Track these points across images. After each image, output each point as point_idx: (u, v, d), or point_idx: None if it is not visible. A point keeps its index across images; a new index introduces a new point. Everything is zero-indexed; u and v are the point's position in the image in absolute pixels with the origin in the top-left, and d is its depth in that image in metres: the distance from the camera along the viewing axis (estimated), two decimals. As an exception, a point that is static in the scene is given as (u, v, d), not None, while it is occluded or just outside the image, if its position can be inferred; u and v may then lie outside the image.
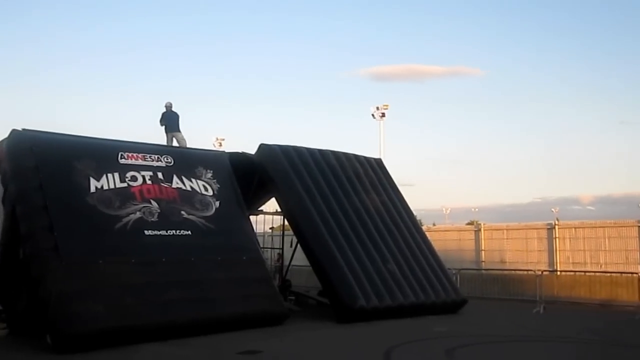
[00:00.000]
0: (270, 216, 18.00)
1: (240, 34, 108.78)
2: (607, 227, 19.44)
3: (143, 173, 12.18)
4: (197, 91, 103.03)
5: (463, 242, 22.85)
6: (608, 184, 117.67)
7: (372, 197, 15.81)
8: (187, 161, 13.28)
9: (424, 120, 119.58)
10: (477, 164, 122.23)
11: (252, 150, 15.16)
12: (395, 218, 15.85)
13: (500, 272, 19.83)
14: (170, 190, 12.39)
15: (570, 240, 20.02)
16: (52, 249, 10.11)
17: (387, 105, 38.54)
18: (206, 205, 12.71)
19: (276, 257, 18.46)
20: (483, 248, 22.20)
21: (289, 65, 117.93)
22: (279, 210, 16.17)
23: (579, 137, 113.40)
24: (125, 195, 11.62)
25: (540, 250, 20.52)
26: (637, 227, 18.76)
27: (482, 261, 21.86)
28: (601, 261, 19.01)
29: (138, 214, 11.53)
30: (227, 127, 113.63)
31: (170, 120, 15.12)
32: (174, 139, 15.02)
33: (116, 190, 11.57)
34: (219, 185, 13.25)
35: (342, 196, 15.06)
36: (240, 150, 15.28)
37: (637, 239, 18.61)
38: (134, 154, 12.35)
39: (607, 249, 19.10)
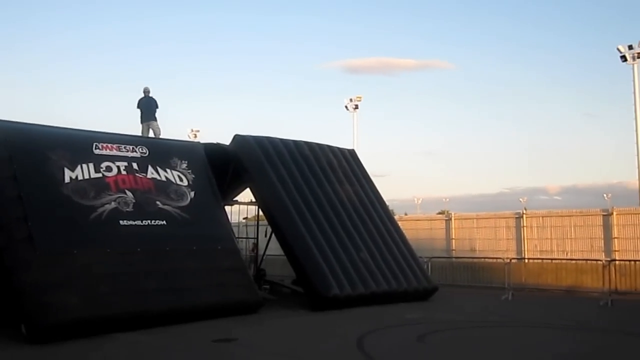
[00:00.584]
0: (245, 206, 18.08)
1: (216, 29, 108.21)
2: (573, 216, 20.05)
3: (118, 163, 12.16)
4: (172, 83, 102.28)
5: (434, 231, 23.29)
6: (574, 174, 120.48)
7: (345, 188, 15.98)
8: (162, 152, 13.27)
9: (396, 113, 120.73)
10: (448, 155, 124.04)
11: (227, 141, 15.25)
12: (368, 208, 16.06)
13: (470, 260, 20.29)
14: (145, 180, 12.41)
15: (537, 229, 20.60)
16: (27, 240, 10.08)
17: (360, 97, 38.81)
18: (181, 195, 12.75)
19: (251, 246, 18.56)
20: (453, 237, 22.68)
21: (263, 58, 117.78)
22: (253, 200, 16.27)
23: (545, 130, 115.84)
24: (100, 186, 11.60)
25: (508, 239, 21.08)
26: (601, 216, 19.39)
27: (453, 249, 22.35)
28: (567, 249, 19.61)
29: (113, 204, 11.53)
30: (202, 118, 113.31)
31: (146, 107, 15.06)
32: (150, 129, 15.00)
33: (91, 180, 11.54)
34: (194, 176, 13.29)
35: (315, 186, 15.21)
36: (215, 141, 15.32)
37: (602, 227, 19.24)
38: (109, 145, 12.32)
39: (573, 237, 19.73)
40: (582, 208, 20.50)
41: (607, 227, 19.12)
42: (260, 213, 16.42)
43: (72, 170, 11.38)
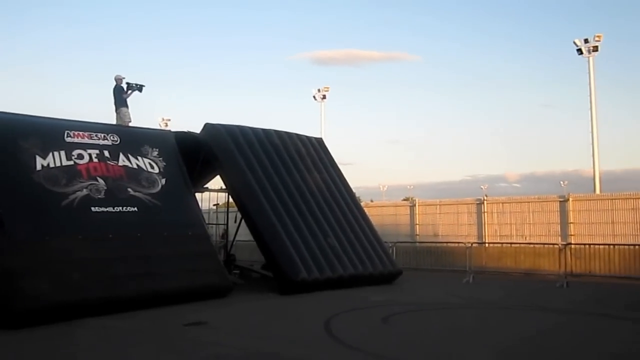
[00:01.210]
0: (215, 193, 18.27)
1: (187, 21, 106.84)
2: (531, 202, 20.77)
3: (89, 151, 12.18)
4: (144, 73, 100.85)
5: (399, 217, 23.78)
6: (532, 163, 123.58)
7: (313, 175, 16.23)
8: (134, 140, 13.30)
9: (363, 103, 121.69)
10: (413, 144, 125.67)
11: (197, 130, 15.32)
12: (335, 194, 16.34)
13: (433, 244, 20.82)
14: (116, 168, 12.46)
15: (497, 215, 21.26)
16: (-2, 227, 10.05)
17: (327, 88, 39.20)
18: (152, 182, 12.86)
19: (221, 232, 18.76)
20: (417, 222, 23.20)
21: (234, 49, 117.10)
22: (223, 187, 16.46)
23: (505, 120, 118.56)
24: (72, 173, 11.62)
25: (470, 224, 21.70)
26: (558, 202, 20.12)
27: (417, 235, 22.84)
28: (526, 233, 20.30)
29: (85, 191, 11.58)
30: (173, 108, 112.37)
31: (119, 95, 15.04)
32: (119, 116, 14.97)
33: (62, 168, 11.55)
34: (164, 163, 13.37)
35: (284, 173, 15.41)
36: (185, 130, 15.41)
37: (558, 213, 19.96)
38: (81, 133, 12.30)
39: (531, 222, 20.43)
40: (540, 194, 21.23)
41: (563, 213, 19.84)
42: (230, 200, 16.61)
43: (44, 157, 11.37)
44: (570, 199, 19.83)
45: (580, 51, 30.67)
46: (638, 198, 18.80)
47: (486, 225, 21.35)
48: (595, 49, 30.38)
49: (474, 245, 18.40)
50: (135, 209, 12.23)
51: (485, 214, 21.45)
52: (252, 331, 9.38)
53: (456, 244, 19.39)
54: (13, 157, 11.03)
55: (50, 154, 11.52)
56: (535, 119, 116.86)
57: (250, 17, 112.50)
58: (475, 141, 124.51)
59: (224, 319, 10.43)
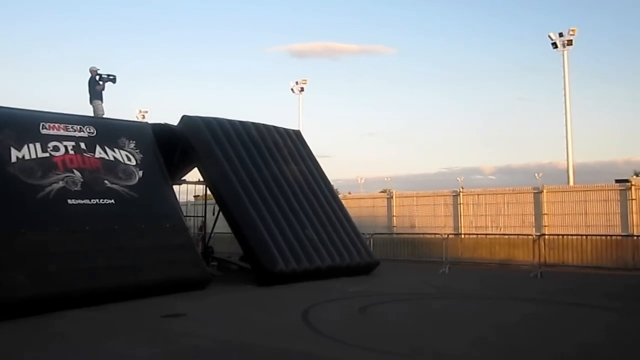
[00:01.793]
0: (193, 185, 18.22)
1: (165, 13, 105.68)
2: (506, 194, 21.05)
3: (65, 143, 12.09)
4: (121, 64, 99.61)
5: (376, 208, 23.95)
6: (507, 155, 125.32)
7: (291, 167, 16.26)
8: (110, 132, 13.22)
9: (340, 95, 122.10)
10: (390, 137, 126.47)
11: (175, 122, 15.24)
12: (312, 186, 16.40)
13: (410, 236, 21.03)
14: (93, 160, 12.39)
15: (473, 206, 21.52)
16: (-27, 219, 9.95)
17: (305, 80, 39.21)
18: (129, 174, 12.80)
19: (199, 224, 18.74)
20: (395, 214, 23.40)
21: (211, 41, 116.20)
22: (201, 179, 16.42)
23: (481, 112, 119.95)
24: (48, 165, 11.54)
25: (446, 216, 21.94)
26: (532, 194, 20.43)
27: (394, 226, 23.05)
28: (501, 225, 20.57)
29: (61, 184, 11.51)
30: (151, 100, 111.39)
31: (93, 87, 14.87)
32: (93, 108, 14.84)
33: (38, 160, 11.47)
34: (142, 155, 13.31)
35: (262, 165, 15.42)
36: (163, 122, 15.32)
37: (533, 204, 20.26)
38: (56, 125, 12.20)
39: (506, 213, 20.71)
40: (515, 187, 21.49)
41: (537, 204, 20.13)
42: (209, 192, 16.59)
43: (19, 149, 11.27)
44: (544, 191, 20.14)
45: (555, 45, 31.05)
46: (610, 189, 19.18)
47: (462, 217, 21.61)
48: (570, 42, 30.77)
49: (450, 236, 18.63)
50: (112, 201, 12.18)
51: (461, 205, 21.70)
52: (230, 322, 9.43)
53: (433, 235, 19.58)
54: (-13, 149, 10.89)
55: (25, 146, 11.42)
56: (510, 112, 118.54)
57: (228, 10, 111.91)
58: (452, 134, 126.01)
59: (201, 310, 10.45)
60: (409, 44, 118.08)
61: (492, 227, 20.63)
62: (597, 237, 16.89)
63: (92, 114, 14.55)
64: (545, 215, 19.81)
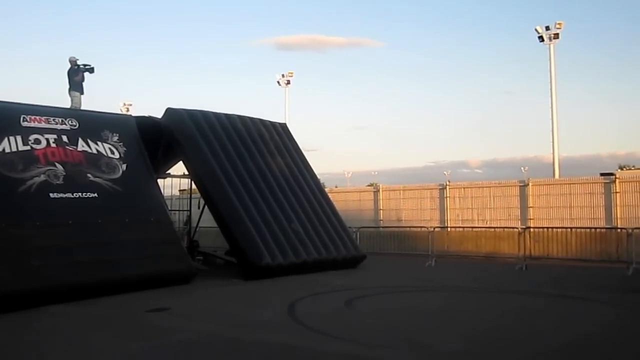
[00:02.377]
0: (179, 179, 18.08)
1: (150, 4, 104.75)
2: (492, 187, 21.16)
3: (47, 136, 11.92)
4: (104, 57, 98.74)
5: (363, 202, 23.98)
6: (494, 149, 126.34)
7: (277, 160, 16.18)
8: (93, 124, 13.04)
9: (327, 89, 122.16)
10: (377, 130, 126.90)
11: (159, 115, 15.08)
12: (299, 180, 16.33)
13: (397, 229, 21.06)
14: (75, 153, 12.23)
15: (459, 200, 21.61)
16: (-47, 214, 9.78)
17: (291, 73, 39.11)
18: (113, 168, 12.66)
19: (184, 219, 18.62)
20: (381, 207, 23.44)
21: (196, 34, 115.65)
22: (186, 173, 16.29)
23: (468, 106, 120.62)
24: (29, 158, 11.38)
25: (432, 209, 22.02)
26: (518, 187, 20.58)
27: (380, 220, 23.09)
28: (487, 218, 20.72)
29: (43, 177, 11.36)
30: (135, 92, 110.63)
31: (72, 77, 14.65)
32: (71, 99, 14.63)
33: (19, 153, 11.30)
34: (125, 149, 13.16)
35: (248, 159, 15.31)
36: (146, 114, 15.18)
37: (518, 197, 20.42)
38: (37, 117, 12.02)
39: (492, 206, 20.84)
40: (501, 180, 21.66)
41: (523, 197, 20.29)
42: (194, 186, 16.47)
43: (-1, 142, 11.10)
44: (530, 184, 20.28)
45: (541, 38, 31.22)
46: (595, 182, 19.39)
47: (448, 210, 21.69)
48: (556, 36, 30.96)
49: (436, 229, 18.67)
50: (96, 194, 12.04)
51: (448, 198, 21.77)
52: (215, 317, 9.39)
53: (419, 229, 19.60)
54: (-33, 142, 10.72)
55: (6, 139, 11.26)
56: (497, 105, 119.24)
57: (213, 2, 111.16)
58: (439, 127, 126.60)
59: (187, 305, 10.38)
60: (396, 38, 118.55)
61: (478, 220, 20.73)
62: (582, 229, 16.98)
63: (69, 105, 14.36)
64: (531, 209, 19.95)
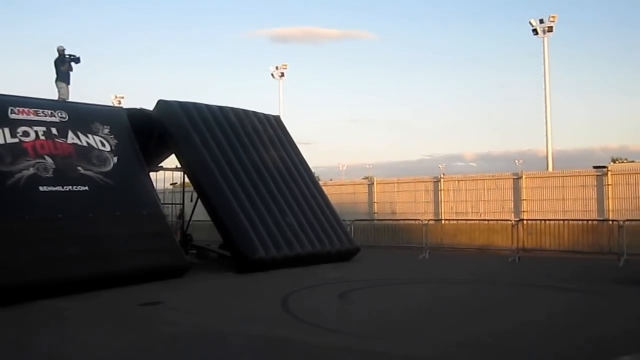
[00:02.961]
0: (171, 172, 17.94)
1: None
2: (486, 179, 21.22)
3: (36, 128, 11.77)
4: (97, 49, 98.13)
5: (357, 195, 23.99)
6: (488, 142, 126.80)
7: (270, 153, 16.09)
8: (83, 117, 12.89)
9: (322, 81, 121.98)
10: (372, 123, 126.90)
11: (151, 108, 14.93)
12: (293, 173, 16.26)
13: (391, 222, 21.07)
14: (65, 145, 12.09)
15: (453, 192, 21.65)
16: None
17: (285, 65, 38.91)
18: (104, 160, 12.53)
19: (177, 212, 18.50)
20: (375, 200, 23.44)
21: (189, 25, 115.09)
22: (179, 166, 16.17)
23: (463, 100, 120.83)
24: (17, 151, 11.23)
25: (427, 202, 22.05)
26: (512, 180, 20.64)
27: (375, 212, 23.11)
28: (480, 210, 20.76)
29: (31, 170, 11.21)
30: (127, 85, 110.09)
31: (59, 66, 14.45)
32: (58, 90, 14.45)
33: (7, 145, 11.15)
34: (116, 141, 13.03)
35: (241, 151, 15.22)
36: (138, 107, 15.05)
37: (512, 190, 20.49)
38: (26, 109, 11.86)
39: (486, 199, 20.89)
40: (495, 173, 21.69)
41: (516, 190, 20.38)
42: (186, 179, 16.36)
43: (-14, 135, 10.94)
44: (524, 177, 20.33)
45: (535, 31, 31.17)
46: (587, 175, 19.51)
47: (442, 203, 21.72)
48: (550, 29, 30.92)
49: (430, 222, 18.66)
50: (86, 188, 11.92)
51: (442, 191, 21.79)
52: (209, 310, 9.35)
53: (413, 222, 19.61)
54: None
55: (-7, 131, 11.09)
56: (492, 99, 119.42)
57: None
58: (434, 120, 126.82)
59: (180, 298, 10.32)
60: (390, 30, 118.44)
61: (472, 212, 20.77)
62: (574, 222, 17.01)
63: (56, 95, 14.19)
64: (524, 201, 19.99)
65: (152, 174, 15.64)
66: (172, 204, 18.47)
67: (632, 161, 32.50)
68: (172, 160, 16.86)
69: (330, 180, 37.26)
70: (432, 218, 20.28)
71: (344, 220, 17.49)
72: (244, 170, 14.86)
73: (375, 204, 23.39)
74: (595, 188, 19.09)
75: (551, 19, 30.95)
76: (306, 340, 7.12)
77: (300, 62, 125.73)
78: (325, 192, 17.80)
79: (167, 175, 18.17)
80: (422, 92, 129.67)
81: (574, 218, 17.54)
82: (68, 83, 14.44)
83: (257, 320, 8.36)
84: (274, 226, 14.26)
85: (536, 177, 20.46)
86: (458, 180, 21.90)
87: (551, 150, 30.28)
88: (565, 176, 19.87)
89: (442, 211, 21.57)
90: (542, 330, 7.50)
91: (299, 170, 16.71)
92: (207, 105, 15.58)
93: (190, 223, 17.79)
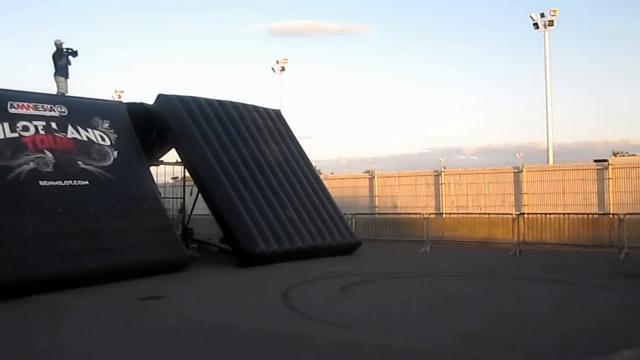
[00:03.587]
0: (172, 167, 17.93)
1: None
2: (487, 173, 21.19)
3: (35, 123, 11.75)
4: (97, 44, 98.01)
5: (358, 189, 23.96)
6: (489, 136, 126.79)
7: (270, 147, 16.06)
8: (83, 111, 12.87)
9: (322, 74, 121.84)
10: (373, 117, 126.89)
11: (151, 102, 14.90)
12: (293, 166, 16.23)
13: (392, 216, 21.07)
14: (65, 140, 12.07)
15: (454, 186, 21.63)
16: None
17: (286, 60, 38.89)
18: (104, 155, 12.52)
19: (178, 206, 18.49)
20: (376, 194, 23.42)
21: (190, 20, 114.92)
22: (179, 160, 16.15)
23: (464, 93, 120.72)
24: (17, 146, 11.22)
25: (428, 196, 22.03)
26: (512, 173, 20.61)
27: (376, 206, 23.10)
28: (481, 204, 20.74)
29: (32, 165, 11.20)
30: (127, 79, 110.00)
31: (57, 60, 14.44)
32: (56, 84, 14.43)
33: (7, 140, 11.14)
34: (116, 136, 13.02)
35: (241, 145, 15.19)
36: (138, 101, 15.01)
37: (513, 183, 20.47)
38: (25, 104, 11.85)
39: (486, 193, 20.87)
40: (496, 166, 21.66)
41: (517, 184, 20.35)
42: (187, 173, 16.34)
43: (-15, 130, 10.93)
44: (524, 170, 20.31)
45: (536, 25, 31.08)
46: (587, 169, 19.49)
47: (443, 197, 21.70)
48: (551, 23, 30.83)
49: (431, 216, 18.65)
50: (87, 182, 11.91)
51: (443, 185, 21.77)
52: (209, 304, 9.35)
53: (414, 215, 19.63)
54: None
55: (-7, 126, 11.08)
56: (492, 93, 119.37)
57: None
58: (434, 114, 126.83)
59: (181, 292, 10.33)
60: (391, 24, 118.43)
61: (473, 206, 20.76)
62: (575, 215, 17.00)
63: (55, 90, 14.19)
64: (525, 195, 19.96)
65: (153, 168, 15.62)
66: (172, 198, 18.46)
67: (633, 155, 32.50)
68: (172, 155, 16.87)
69: (332, 173, 37.20)
70: (432, 212, 20.29)
71: (345, 213, 17.47)
72: (244, 164, 14.84)
73: (376, 197, 23.38)
74: (596, 182, 19.07)
75: (552, 13, 30.86)
76: (307, 334, 7.12)
77: (301, 56, 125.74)
78: (326, 185, 17.80)
79: (168, 169, 18.18)
80: (422, 85, 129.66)
81: (575, 212, 17.51)
82: (67, 77, 14.43)
83: (258, 314, 8.36)
84: (275, 220, 14.24)
85: (537, 171, 20.44)
86: (459, 174, 21.88)
87: (552, 143, 30.26)
88: (566, 170, 19.84)
89: (443, 205, 21.56)
90: (541, 323, 7.50)
91: (300, 163, 16.68)
92: (207, 100, 15.54)
93: (191, 217, 17.79)
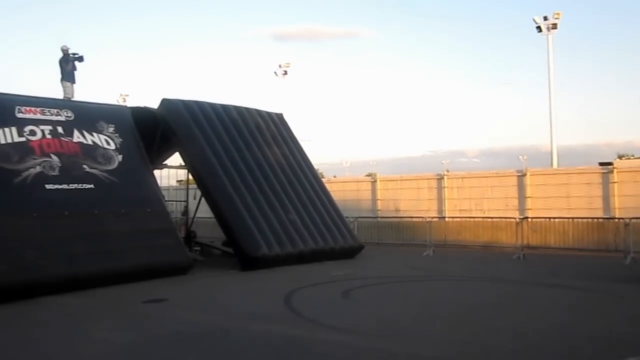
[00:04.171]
0: (176, 170, 18.03)
1: None
2: (490, 177, 21.14)
3: (42, 127, 11.88)
4: (103, 48, 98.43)
5: (360, 192, 23.95)
6: (491, 138, 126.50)
7: (273, 150, 16.12)
8: (88, 115, 13.00)
9: (324, 78, 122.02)
10: (376, 120, 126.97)
11: (155, 106, 15.00)
12: (295, 170, 16.28)
13: (395, 219, 21.01)
14: (71, 144, 12.19)
15: (457, 190, 21.58)
16: (-51, 205, 9.75)
17: (288, 64, 38.97)
18: (109, 159, 12.63)
19: (182, 209, 18.58)
20: (379, 198, 23.42)
21: (194, 24, 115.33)
22: (183, 164, 16.24)
23: (466, 96, 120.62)
24: (24, 150, 11.34)
25: (430, 199, 21.99)
26: (515, 177, 20.54)
27: (378, 210, 23.08)
28: (484, 208, 20.68)
29: (38, 168, 11.33)
30: (132, 83, 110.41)
31: (64, 66, 14.55)
32: (63, 89, 14.55)
33: (14, 144, 11.26)
34: (121, 140, 13.13)
35: (244, 149, 15.26)
36: (142, 105, 15.10)
37: (516, 187, 20.39)
38: (32, 108, 11.98)
39: (489, 197, 20.81)
40: (499, 169, 21.61)
41: (521, 187, 20.26)
42: (190, 176, 16.42)
43: (-6, 134, 11.03)
44: (528, 174, 20.24)
45: (539, 28, 31.06)
46: (593, 172, 19.33)
47: (446, 200, 21.67)
48: (554, 26, 30.79)
49: (434, 219, 18.66)
50: (92, 185, 12.03)
51: (445, 189, 21.75)
52: (212, 307, 9.40)
53: (417, 219, 19.60)
54: (-39, 134, 10.67)
55: (1, 130, 11.23)
56: (495, 96, 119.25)
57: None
58: (437, 117, 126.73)
59: (184, 295, 10.38)
60: (393, 27, 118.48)
61: (475, 210, 20.69)
62: (580, 219, 16.96)
63: (62, 95, 14.30)
64: (529, 199, 19.92)
65: (157, 172, 15.72)
66: (176, 201, 18.56)
67: (639, 157, 32.34)
68: (176, 158, 16.97)
69: (334, 176, 37.27)
70: (435, 215, 20.29)
71: (347, 217, 17.50)
72: (247, 168, 14.90)
73: (379, 201, 23.38)
74: (601, 186, 18.95)
75: (555, 16, 30.83)
76: (309, 338, 7.16)
77: (303, 60, 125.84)
78: (329, 189, 17.80)
79: (172, 172, 18.28)
80: (425, 88, 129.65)
81: (580, 216, 17.48)
82: (73, 82, 14.56)
83: (261, 317, 8.40)
84: (277, 223, 14.30)
85: (541, 175, 20.36)
86: (462, 178, 21.85)
87: (555, 146, 30.19)
88: (571, 173, 19.76)
89: (446, 208, 21.53)
90: (546, 329, 7.51)
91: (302, 167, 16.72)
92: (210, 104, 15.64)
93: (194, 220, 17.88)
